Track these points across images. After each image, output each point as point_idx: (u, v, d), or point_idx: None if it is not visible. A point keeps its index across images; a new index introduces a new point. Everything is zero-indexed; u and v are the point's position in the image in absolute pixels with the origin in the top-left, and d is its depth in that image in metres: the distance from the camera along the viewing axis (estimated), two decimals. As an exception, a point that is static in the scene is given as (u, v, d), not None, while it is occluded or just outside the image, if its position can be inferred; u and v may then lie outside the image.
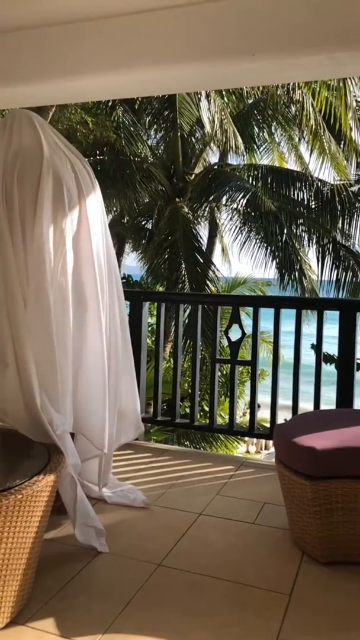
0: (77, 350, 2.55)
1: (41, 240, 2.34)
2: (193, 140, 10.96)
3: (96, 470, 2.73)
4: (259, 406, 3.60)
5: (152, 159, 11.04)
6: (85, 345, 2.58)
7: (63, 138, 2.68)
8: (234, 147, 9.72)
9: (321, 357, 3.48)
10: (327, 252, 10.51)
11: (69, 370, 2.46)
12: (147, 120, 10.38)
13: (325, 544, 2.26)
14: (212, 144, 11.30)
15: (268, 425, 3.70)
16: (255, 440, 13.83)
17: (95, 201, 2.66)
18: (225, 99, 9.65)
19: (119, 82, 3.17)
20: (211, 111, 9.26)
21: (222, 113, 9.39)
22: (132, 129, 9.84)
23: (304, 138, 10.48)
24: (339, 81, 9.04)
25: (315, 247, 10.62)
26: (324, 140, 9.92)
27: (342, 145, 10.15)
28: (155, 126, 10.56)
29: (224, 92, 9.61)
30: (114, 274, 2.78)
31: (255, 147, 11.12)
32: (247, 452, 13.81)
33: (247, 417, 3.84)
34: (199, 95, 9.21)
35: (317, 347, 3.45)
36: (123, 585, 2.09)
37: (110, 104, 9.61)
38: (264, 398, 3.77)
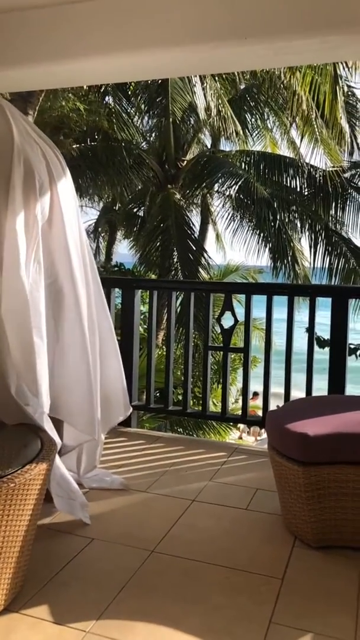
0: (53, 335, 2.58)
1: (13, 227, 2.36)
2: (185, 126, 10.85)
3: (74, 457, 2.77)
4: (256, 394, 3.62)
5: (144, 145, 10.94)
6: (63, 330, 2.61)
7: (34, 125, 2.70)
8: (233, 132, 9.64)
9: (313, 343, 3.49)
10: (319, 239, 10.51)
11: (45, 354, 2.47)
12: (139, 106, 10.26)
13: (317, 528, 2.28)
14: (205, 130, 11.21)
15: (261, 412, 3.71)
16: (251, 429, 13.90)
17: (67, 188, 2.68)
18: (218, 84, 9.54)
19: (108, 67, 3.12)
20: (207, 96, 9.15)
21: (219, 99, 9.29)
22: (124, 115, 9.74)
23: (295, 123, 10.40)
24: (328, 65, 8.94)
25: (307, 233, 10.61)
26: (315, 126, 9.86)
27: (332, 132, 10.08)
28: (147, 112, 10.45)
29: (216, 77, 9.50)
30: (88, 259, 2.79)
31: (248, 132, 11.04)
32: (240, 438, 13.88)
33: (240, 403, 3.85)
34: (194, 80, 9.09)
35: (309, 333, 3.45)
36: (117, 571, 2.10)
37: (102, 89, 9.50)
38: (256, 385, 3.78)
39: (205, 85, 9.16)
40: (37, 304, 2.42)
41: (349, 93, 10.62)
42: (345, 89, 10.36)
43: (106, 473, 2.95)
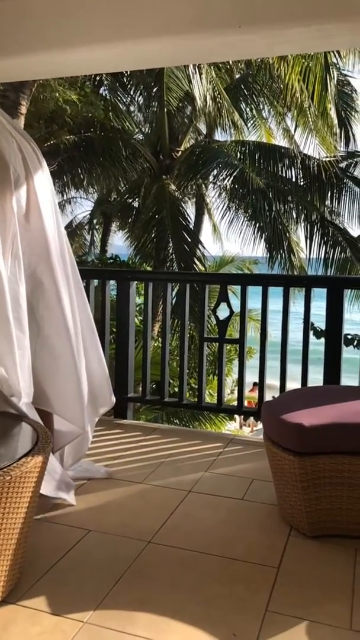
0: (35, 326, 2.60)
1: None
2: (180, 115, 10.78)
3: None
4: (255, 384, 3.63)
5: (139, 136, 10.87)
6: (43, 321, 2.63)
7: (8, 117, 2.70)
8: (230, 122, 9.59)
9: (309, 334, 3.49)
10: (315, 229, 10.50)
11: (27, 347, 2.50)
12: (134, 95, 10.19)
13: (312, 518, 2.29)
14: (200, 120, 11.14)
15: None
16: (247, 421, 13.94)
17: (44, 181, 2.68)
18: (214, 73, 9.46)
19: (102, 56, 3.08)
20: (204, 84, 9.07)
21: (215, 88, 9.22)
22: (120, 105, 9.66)
23: (290, 112, 10.35)
24: (319, 55, 8.89)
25: (303, 224, 10.60)
26: (309, 116, 9.81)
27: (323, 122, 10.03)
28: (141, 102, 10.38)
29: (212, 66, 9.42)
30: (67, 251, 2.79)
31: (243, 122, 10.99)
32: (241, 428, 13.89)
33: (236, 394, 3.86)
34: (191, 69, 9.00)
35: (305, 324, 3.46)
36: (114, 562, 2.11)
37: (97, 79, 9.42)
38: (252, 376, 3.79)
39: (202, 73, 9.08)
40: (17, 297, 2.44)
41: (345, 82, 10.57)
42: (339, 78, 10.32)
43: (90, 463, 2.98)
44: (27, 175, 2.57)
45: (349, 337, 6.16)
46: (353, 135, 10.88)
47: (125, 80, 9.70)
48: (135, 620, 1.80)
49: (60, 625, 1.78)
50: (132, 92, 10.10)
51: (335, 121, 10.24)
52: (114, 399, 3.09)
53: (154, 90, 9.71)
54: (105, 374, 3.01)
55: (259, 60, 9.60)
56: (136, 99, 10.27)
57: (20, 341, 2.44)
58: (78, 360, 2.70)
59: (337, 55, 9.23)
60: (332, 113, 9.85)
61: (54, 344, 2.64)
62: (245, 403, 3.92)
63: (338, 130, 10.49)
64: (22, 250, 2.50)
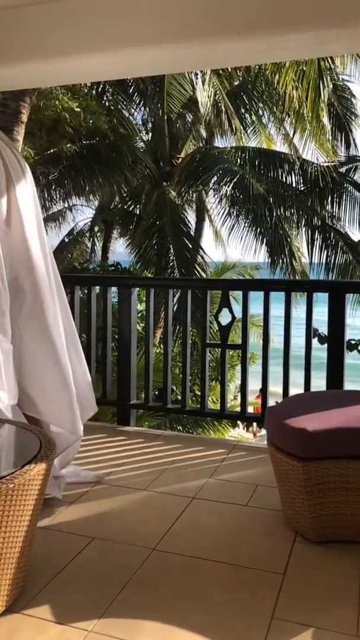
0: (18, 333, 2.63)
1: None
2: (181, 122, 10.81)
3: None
4: (260, 391, 3.61)
5: (140, 143, 10.91)
6: (26, 328, 2.65)
7: None
8: (234, 127, 9.60)
9: (311, 339, 3.49)
10: (316, 234, 10.51)
11: (10, 352, 2.53)
12: (135, 103, 10.24)
13: (317, 523, 2.28)
14: (200, 127, 11.17)
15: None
16: (253, 428, 13.88)
17: (26, 188, 2.70)
18: (215, 80, 9.49)
19: (101, 64, 3.10)
20: (207, 91, 9.09)
21: (218, 93, 9.24)
22: (122, 112, 9.70)
23: (289, 118, 10.38)
24: (313, 62, 8.91)
25: (304, 229, 10.61)
26: (307, 122, 9.84)
27: (315, 127, 10.05)
28: (142, 109, 10.43)
29: (213, 72, 9.44)
30: (49, 258, 2.82)
31: (242, 128, 11.03)
32: (246, 430, 13.78)
33: (239, 400, 3.85)
34: (195, 75, 9.03)
35: (307, 329, 3.45)
36: (118, 570, 2.10)
37: (99, 87, 9.48)
38: (254, 382, 3.77)
39: (206, 80, 9.10)
40: None
41: (344, 87, 10.61)
42: (337, 83, 10.36)
43: (79, 469, 2.99)
44: (8, 183, 2.61)
45: (353, 342, 6.14)
46: (353, 139, 10.90)
47: (126, 87, 9.73)
48: (141, 628, 1.79)
49: (65, 634, 1.76)
50: (133, 99, 10.14)
51: (329, 127, 10.29)
52: (95, 409, 3.10)
53: (155, 97, 9.75)
54: (88, 380, 3.04)
55: (256, 67, 9.64)
56: (137, 106, 10.31)
57: (3, 344, 2.48)
58: (64, 365, 2.73)
59: (330, 61, 9.21)
60: (325, 120, 9.89)
61: (38, 350, 2.67)
62: (252, 409, 3.91)
63: (330, 137, 10.52)
64: (3, 256, 2.54)
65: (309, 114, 9.51)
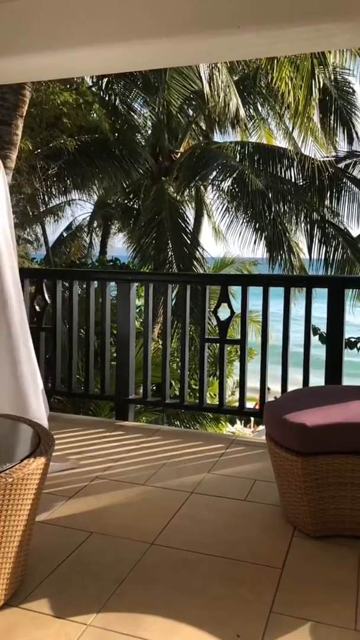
0: None
1: None
2: (181, 116, 10.76)
3: None
4: (268, 389, 3.61)
5: (139, 138, 10.87)
6: None
7: None
8: (236, 119, 9.55)
9: (310, 334, 3.48)
10: (315, 230, 10.50)
11: None
12: (135, 97, 10.18)
13: (316, 518, 2.28)
14: (200, 121, 11.12)
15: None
16: (251, 425, 13.89)
17: None
18: (225, 70, 9.38)
19: (101, 58, 3.08)
20: (215, 83, 9.01)
21: (227, 87, 9.17)
22: (121, 107, 9.64)
23: (288, 113, 10.35)
24: (305, 61, 8.87)
25: (303, 225, 10.60)
26: (301, 117, 9.80)
27: (307, 125, 10.04)
28: (142, 103, 10.37)
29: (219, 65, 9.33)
30: (14, 255, 2.83)
31: (246, 121, 11.00)
32: (244, 426, 13.77)
33: (237, 395, 3.85)
34: (203, 68, 8.93)
35: (306, 324, 3.45)
36: (117, 564, 2.10)
37: (99, 81, 9.42)
38: (252, 377, 3.77)
39: (214, 72, 9.01)
40: None
41: (345, 81, 10.57)
42: (337, 77, 10.33)
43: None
44: None
45: (353, 340, 6.14)
46: (356, 133, 10.87)
47: (126, 81, 9.67)
48: (139, 622, 1.79)
49: (63, 628, 1.77)
50: (133, 93, 10.08)
51: (319, 125, 10.29)
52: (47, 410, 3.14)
53: (156, 90, 9.68)
54: (39, 382, 3.06)
55: (256, 61, 9.59)
56: (137, 100, 10.25)
57: None
58: (17, 361, 2.81)
59: (322, 56, 9.15)
60: (316, 117, 9.90)
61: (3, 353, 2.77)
62: (254, 405, 3.90)
63: (323, 134, 10.51)
64: None
65: (301, 111, 9.50)
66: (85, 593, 1.93)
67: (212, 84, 8.94)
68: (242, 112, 9.69)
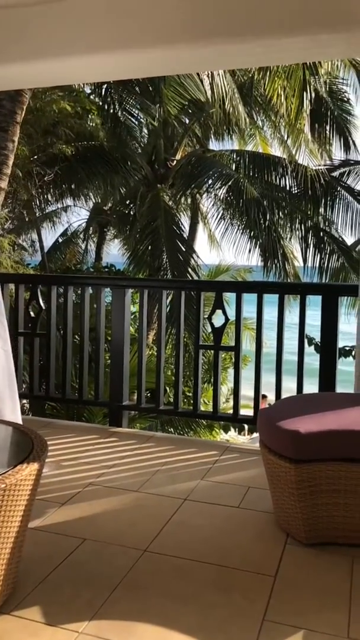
0: None
1: None
2: (177, 125, 10.80)
3: None
4: (265, 397, 3.61)
5: (135, 144, 10.90)
6: None
7: None
8: (241, 125, 9.58)
9: (304, 342, 3.50)
10: (309, 238, 10.55)
11: None
12: (132, 104, 10.21)
13: (309, 526, 2.28)
14: (196, 129, 11.16)
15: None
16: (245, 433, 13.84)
17: None
18: (227, 77, 9.42)
19: (98, 65, 3.10)
20: (217, 90, 9.04)
21: (233, 94, 9.20)
22: (119, 114, 9.68)
23: (283, 122, 10.43)
24: (299, 71, 8.93)
25: (297, 232, 10.65)
26: (297, 125, 9.87)
27: (295, 135, 10.11)
28: (139, 110, 10.41)
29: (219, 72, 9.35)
30: None
31: (237, 131, 11.05)
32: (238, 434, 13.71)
33: (231, 403, 3.85)
34: (204, 75, 8.96)
35: (300, 332, 3.46)
36: (110, 571, 2.09)
37: (96, 89, 9.46)
38: (246, 385, 3.77)
39: (217, 76, 9.03)
40: None
41: (340, 90, 10.67)
42: (332, 87, 10.42)
43: None
44: None
45: (347, 348, 6.14)
46: (353, 142, 10.96)
47: (124, 89, 9.71)
48: (132, 630, 1.78)
49: (55, 635, 1.75)
50: (131, 101, 10.11)
51: (310, 136, 10.38)
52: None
53: (153, 98, 9.71)
54: (14, 387, 3.07)
55: (249, 70, 9.66)
56: (135, 107, 10.28)
57: None
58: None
59: (312, 67, 9.21)
60: (306, 128, 9.98)
61: None
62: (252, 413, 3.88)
63: (316, 144, 10.60)
64: None
65: (293, 121, 9.58)
66: (78, 600, 1.92)
67: (214, 91, 8.98)
68: (246, 119, 9.74)
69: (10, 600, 1.90)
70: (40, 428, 3.60)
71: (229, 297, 4.17)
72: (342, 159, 11.27)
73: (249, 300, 3.62)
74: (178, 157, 11.26)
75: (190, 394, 4.34)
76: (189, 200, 12.05)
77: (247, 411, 3.81)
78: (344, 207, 10.76)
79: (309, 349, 3.89)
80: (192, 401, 3.83)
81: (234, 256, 11.42)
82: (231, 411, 3.73)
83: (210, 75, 8.96)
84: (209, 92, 9.03)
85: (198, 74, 8.93)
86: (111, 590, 1.98)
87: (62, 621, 1.81)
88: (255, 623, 1.82)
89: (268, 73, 8.93)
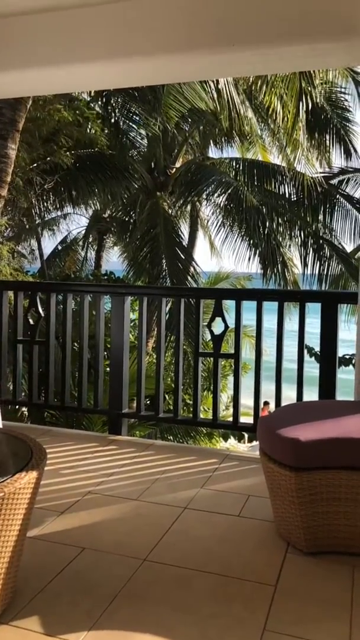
0: None
1: None
2: (176, 133, 10.84)
3: None
4: (267, 403, 3.60)
5: (134, 153, 10.95)
6: None
7: None
8: (245, 132, 9.61)
9: (304, 349, 3.49)
10: (308, 245, 10.57)
11: None
12: (132, 113, 10.26)
13: (309, 534, 2.27)
14: (196, 137, 11.20)
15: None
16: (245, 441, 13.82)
17: None
18: (232, 87, 9.46)
19: (97, 74, 3.13)
20: (230, 98, 9.07)
21: (239, 101, 9.23)
22: (120, 122, 9.72)
23: (282, 130, 10.48)
24: (295, 81, 8.98)
25: (297, 240, 10.67)
26: (295, 134, 9.91)
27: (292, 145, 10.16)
28: (139, 118, 10.45)
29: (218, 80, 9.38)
30: None
31: (239, 139, 11.10)
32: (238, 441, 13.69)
33: (231, 410, 3.84)
34: (209, 83, 9.00)
35: (299, 338, 3.45)
36: (109, 581, 2.08)
37: (96, 97, 9.50)
38: (245, 394, 3.76)
39: (225, 85, 9.07)
40: None
41: (340, 98, 10.73)
42: (331, 95, 10.48)
43: None
44: None
45: (347, 357, 6.14)
46: (354, 149, 11.01)
47: (124, 96, 9.75)
48: (131, 640, 1.77)
49: (53, 646, 1.74)
50: (131, 109, 10.16)
51: (306, 144, 10.43)
52: None
53: (153, 106, 9.74)
54: None
55: (248, 79, 9.71)
56: (135, 115, 10.33)
57: None
58: None
59: (308, 77, 9.26)
60: (301, 138, 10.03)
61: None
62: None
63: (312, 152, 10.65)
64: None
65: (290, 131, 9.63)
66: (77, 610, 1.90)
67: (221, 97, 9.00)
68: (254, 124, 9.77)
69: (9, 610, 1.89)
70: (39, 436, 3.59)
71: (229, 304, 4.18)
72: (341, 166, 11.32)
73: (249, 308, 3.62)
74: (178, 164, 11.30)
75: (190, 402, 4.32)
76: (189, 207, 12.07)
77: (247, 419, 3.80)
78: (343, 215, 10.79)
79: (309, 358, 3.88)
80: (191, 409, 3.82)
81: (233, 264, 11.44)
82: (231, 419, 3.72)
83: (215, 82, 8.99)
84: (216, 98, 9.05)
85: (200, 84, 8.97)
86: (110, 600, 1.96)
87: (61, 631, 1.80)
88: (256, 633, 1.80)
89: (266, 83, 8.98)
